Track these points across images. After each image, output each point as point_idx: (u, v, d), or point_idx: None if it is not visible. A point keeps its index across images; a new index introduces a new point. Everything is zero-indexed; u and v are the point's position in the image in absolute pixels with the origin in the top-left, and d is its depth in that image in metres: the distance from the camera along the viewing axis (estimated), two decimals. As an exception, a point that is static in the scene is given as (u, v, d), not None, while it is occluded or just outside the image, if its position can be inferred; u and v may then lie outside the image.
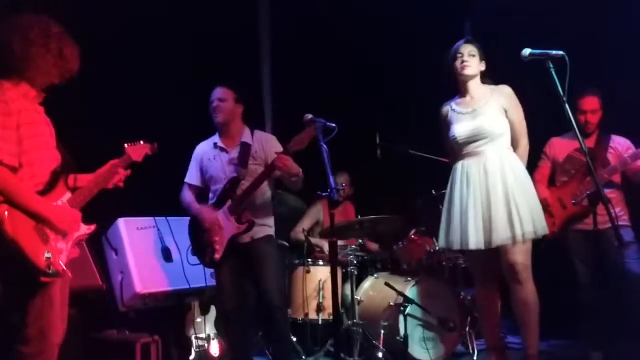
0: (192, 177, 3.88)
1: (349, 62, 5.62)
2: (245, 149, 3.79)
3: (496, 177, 3.38)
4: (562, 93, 2.89)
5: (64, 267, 2.57)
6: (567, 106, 2.90)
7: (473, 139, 3.45)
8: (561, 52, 2.95)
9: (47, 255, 2.49)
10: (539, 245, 3.52)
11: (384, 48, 5.57)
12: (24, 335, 2.50)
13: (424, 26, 5.33)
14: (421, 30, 5.34)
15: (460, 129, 3.49)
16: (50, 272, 2.48)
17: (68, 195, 2.69)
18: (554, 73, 2.93)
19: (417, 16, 5.37)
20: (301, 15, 5.48)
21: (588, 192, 4.03)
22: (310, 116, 3.64)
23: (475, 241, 3.35)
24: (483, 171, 3.40)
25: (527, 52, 3.11)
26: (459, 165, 3.50)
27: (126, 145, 3.04)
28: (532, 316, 3.37)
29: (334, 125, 3.45)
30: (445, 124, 3.60)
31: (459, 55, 3.48)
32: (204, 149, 3.89)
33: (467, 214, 3.39)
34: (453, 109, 3.58)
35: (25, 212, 2.46)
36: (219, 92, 3.84)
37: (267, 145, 3.85)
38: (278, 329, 3.72)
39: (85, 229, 2.74)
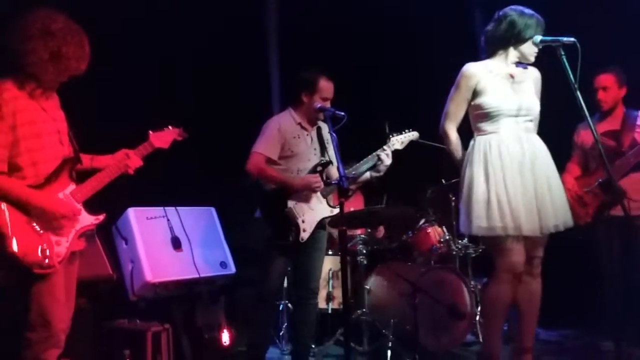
0: (270, 149, 3.70)
1: (358, 52, 5.59)
2: (321, 132, 3.82)
3: (542, 161, 3.16)
4: (573, 80, 2.87)
5: (62, 259, 2.59)
6: (578, 93, 2.88)
7: (517, 113, 3.16)
8: (572, 39, 2.91)
9: (42, 247, 2.52)
10: (575, 236, 3.45)
11: (393, 37, 5.53)
12: (28, 321, 2.55)
13: (433, 15, 5.29)
14: (431, 19, 5.30)
15: (507, 99, 3.15)
16: (45, 264, 2.52)
17: (72, 186, 2.69)
18: (565, 60, 2.89)
19: (427, 4, 5.32)
20: (308, 7, 5.45)
21: (600, 180, 4.00)
22: (318, 105, 3.66)
23: (531, 227, 3.08)
24: (528, 152, 3.14)
25: (538, 39, 3.07)
26: (492, 140, 3.16)
27: (150, 132, 2.97)
28: (537, 309, 3.27)
29: (342, 113, 3.46)
30: (468, 91, 3.20)
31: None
32: (286, 125, 3.76)
33: (516, 196, 3.07)
34: (490, 70, 3.20)
35: (17, 205, 2.50)
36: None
37: (327, 134, 3.86)
38: (312, 313, 3.79)
39: (92, 219, 2.74)
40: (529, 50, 3.17)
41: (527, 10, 3.16)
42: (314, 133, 3.80)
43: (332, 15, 5.47)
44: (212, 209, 4.51)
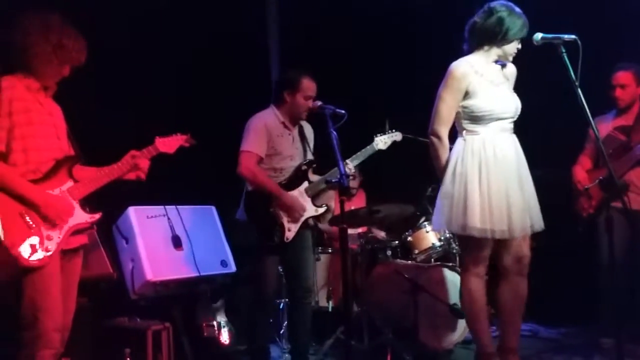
0: (260, 147, 3.67)
1: (358, 50, 5.58)
2: (303, 132, 3.83)
3: (523, 161, 3.17)
4: (574, 78, 2.86)
5: (52, 254, 2.58)
6: (579, 91, 2.87)
7: (508, 116, 3.16)
8: (573, 36, 2.90)
9: (31, 241, 2.53)
10: (577, 228, 3.41)
11: (392, 35, 5.53)
12: (21, 318, 2.56)
13: (432, 11, 5.28)
14: (430, 16, 5.29)
15: (498, 103, 3.13)
16: (32, 257, 2.52)
17: (69, 183, 2.71)
18: (566, 58, 2.89)
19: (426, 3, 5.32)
20: (309, 2, 5.45)
21: (600, 178, 4.00)
22: (319, 103, 3.66)
23: (519, 228, 3.07)
24: (514, 152, 3.15)
25: (538, 36, 3.06)
26: (486, 141, 3.13)
27: (157, 138, 3.00)
28: (522, 310, 3.25)
29: (343, 111, 3.47)
30: (460, 93, 3.15)
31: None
32: (271, 122, 3.73)
33: (506, 197, 3.07)
34: (477, 70, 3.15)
35: (12, 195, 2.53)
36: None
37: (311, 134, 3.87)
38: (308, 312, 3.82)
39: (87, 217, 2.74)
40: (511, 50, 3.16)
41: (517, 10, 3.13)
42: (296, 132, 3.81)
43: (333, 11, 5.47)
44: (213, 208, 4.51)
